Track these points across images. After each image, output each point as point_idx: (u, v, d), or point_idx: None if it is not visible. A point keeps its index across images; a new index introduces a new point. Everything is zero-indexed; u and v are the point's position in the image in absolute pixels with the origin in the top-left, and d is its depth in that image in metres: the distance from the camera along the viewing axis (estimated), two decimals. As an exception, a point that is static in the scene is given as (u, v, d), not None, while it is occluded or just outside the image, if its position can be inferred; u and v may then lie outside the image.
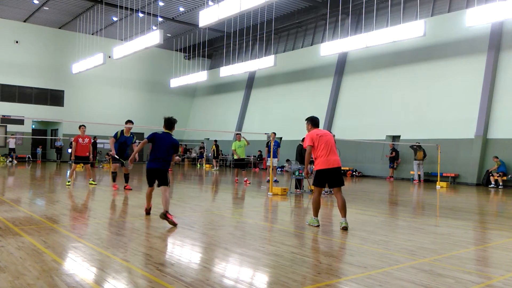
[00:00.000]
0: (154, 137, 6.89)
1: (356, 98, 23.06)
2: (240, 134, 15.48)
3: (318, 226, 6.67)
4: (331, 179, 6.61)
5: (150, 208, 7.45)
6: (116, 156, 11.25)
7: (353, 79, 23.57)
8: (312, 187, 12.43)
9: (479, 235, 6.86)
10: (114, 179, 11.57)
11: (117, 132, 11.30)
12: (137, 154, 7.47)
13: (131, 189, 11.42)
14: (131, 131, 11.62)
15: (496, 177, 16.51)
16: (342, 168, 21.37)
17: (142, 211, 8.04)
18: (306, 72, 26.37)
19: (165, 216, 6.46)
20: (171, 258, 4.67)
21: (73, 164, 12.92)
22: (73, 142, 12.46)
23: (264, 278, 4.09)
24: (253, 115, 29.73)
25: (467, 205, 10.82)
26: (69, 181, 12.51)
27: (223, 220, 7.32)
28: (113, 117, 30.30)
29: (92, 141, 24.63)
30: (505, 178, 16.38)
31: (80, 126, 12.44)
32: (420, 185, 17.07)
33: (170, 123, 7.08)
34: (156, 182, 6.93)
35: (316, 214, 6.70)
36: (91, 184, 12.68)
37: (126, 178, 11.55)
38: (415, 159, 18.45)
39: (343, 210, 6.51)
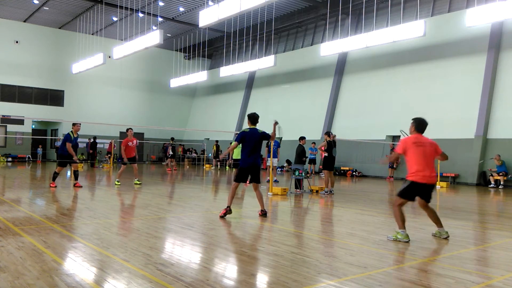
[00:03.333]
0: (243, 136, 7.30)
1: (356, 98, 23.05)
2: None
3: (407, 242, 5.60)
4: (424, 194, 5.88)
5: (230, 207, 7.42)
6: (78, 160, 11.50)
7: (353, 79, 23.57)
8: (313, 187, 12.50)
9: (479, 235, 6.86)
10: (54, 179, 11.68)
11: (70, 136, 11.41)
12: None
13: (81, 186, 11.83)
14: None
15: (496, 177, 16.51)
16: (342, 168, 21.16)
17: (142, 211, 8.03)
18: (306, 72, 26.35)
19: (265, 215, 7.40)
20: (171, 258, 4.67)
21: (122, 165, 13.50)
22: (122, 146, 13.22)
23: (264, 278, 4.09)
24: (253, 115, 29.67)
25: (467, 205, 10.82)
26: (118, 181, 13.06)
27: (223, 220, 7.31)
28: (113, 117, 30.33)
29: (92, 141, 24.84)
30: (505, 178, 16.38)
31: (127, 130, 13.25)
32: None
33: (254, 118, 7.47)
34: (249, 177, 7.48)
35: (402, 225, 5.71)
36: (136, 184, 13.26)
37: (76, 176, 11.81)
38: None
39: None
